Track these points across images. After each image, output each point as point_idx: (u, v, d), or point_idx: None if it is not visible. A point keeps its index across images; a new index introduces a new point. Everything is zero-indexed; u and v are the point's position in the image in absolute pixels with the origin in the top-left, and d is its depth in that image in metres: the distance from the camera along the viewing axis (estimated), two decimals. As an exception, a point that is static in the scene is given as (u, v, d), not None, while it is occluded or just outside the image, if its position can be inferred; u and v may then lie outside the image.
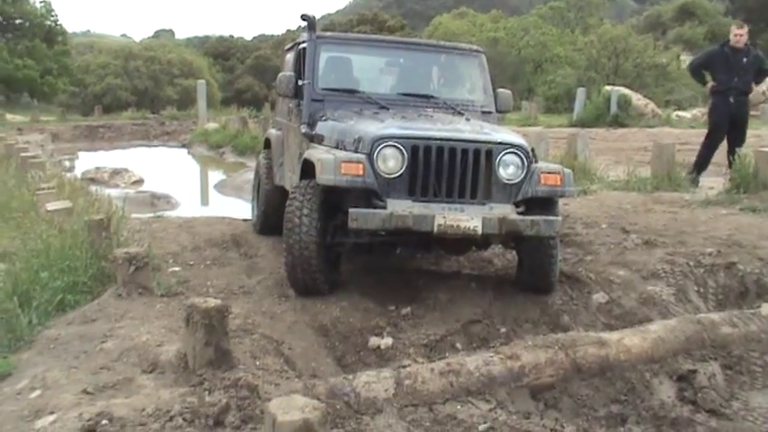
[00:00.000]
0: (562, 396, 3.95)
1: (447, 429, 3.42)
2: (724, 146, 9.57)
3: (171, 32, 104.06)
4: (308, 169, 5.28)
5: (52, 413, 3.19)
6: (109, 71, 50.74)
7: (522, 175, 5.07)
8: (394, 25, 57.14)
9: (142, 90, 50.47)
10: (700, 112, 25.22)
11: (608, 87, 24.75)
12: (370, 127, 5.19)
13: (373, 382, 3.55)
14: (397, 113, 5.71)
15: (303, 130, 5.90)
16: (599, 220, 7.28)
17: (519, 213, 5.05)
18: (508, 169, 5.06)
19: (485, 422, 3.46)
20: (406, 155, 4.91)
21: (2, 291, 5.02)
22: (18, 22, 46.64)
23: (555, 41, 44.12)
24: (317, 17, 7.34)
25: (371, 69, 6.88)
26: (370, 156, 4.91)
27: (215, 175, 17.93)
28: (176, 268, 6.06)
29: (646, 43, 35.42)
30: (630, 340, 4.25)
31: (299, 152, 5.97)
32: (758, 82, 10.15)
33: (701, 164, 9.70)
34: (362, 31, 43.30)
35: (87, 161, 20.22)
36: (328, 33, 6.90)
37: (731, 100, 9.27)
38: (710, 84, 9.45)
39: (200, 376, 3.46)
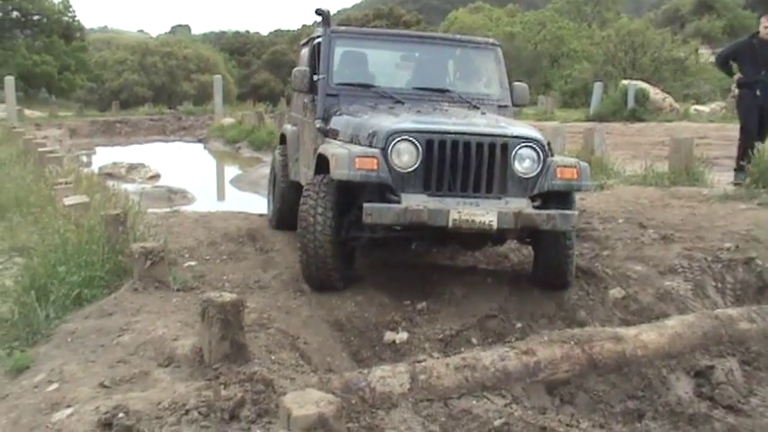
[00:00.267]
0: (578, 391, 3.93)
1: (462, 424, 3.41)
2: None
3: (187, 28, 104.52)
4: (322, 164, 5.27)
5: (69, 406, 3.21)
6: (126, 67, 51.04)
7: (538, 169, 5.04)
8: (410, 20, 57.13)
9: (159, 86, 50.69)
10: (718, 106, 25.02)
11: (625, 82, 24.56)
12: (385, 121, 5.17)
13: (388, 377, 3.54)
14: (412, 108, 5.68)
15: (318, 125, 5.90)
16: (616, 215, 7.23)
17: (535, 208, 5.02)
18: (524, 163, 5.02)
19: (500, 417, 3.45)
20: (420, 149, 4.90)
21: (20, 285, 5.06)
22: (36, 18, 46.91)
23: (572, 36, 43.93)
24: (333, 12, 7.33)
25: (386, 64, 6.86)
26: (384, 150, 4.89)
27: (231, 170, 18.00)
28: (192, 263, 6.08)
29: (664, 37, 35.13)
30: (647, 336, 4.22)
31: (314, 147, 5.95)
32: None
33: (743, 156, 9.44)
34: (378, 26, 43.25)
35: (104, 156, 20.34)
36: (343, 28, 6.87)
37: (758, 93, 9.08)
38: (737, 76, 9.28)
39: (216, 370, 3.47)
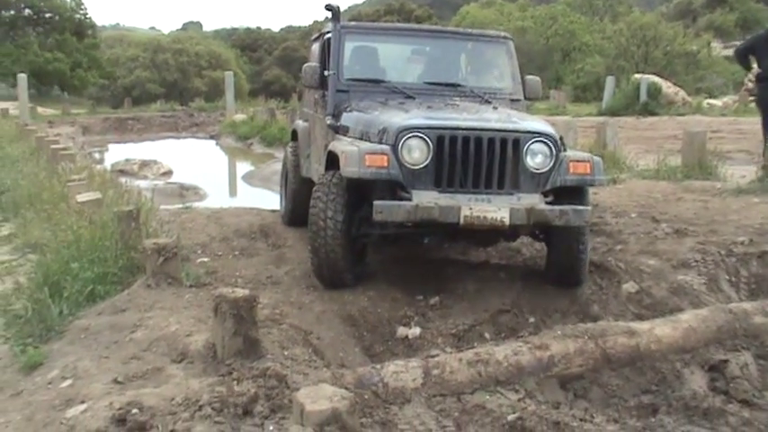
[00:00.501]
0: (592, 386, 3.91)
1: (475, 419, 3.40)
2: (758, 134, 9.35)
3: (199, 25, 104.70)
4: (332, 161, 5.24)
5: (83, 402, 3.22)
6: (138, 64, 51.29)
7: (551, 164, 4.97)
8: (421, 15, 57.04)
9: (171, 82, 50.89)
10: (731, 99, 24.89)
11: (637, 75, 24.51)
12: (395, 117, 5.13)
13: (401, 372, 3.54)
14: (423, 103, 5.64)
15: (328, 122, 5.87)
16: (628, 210, 7.20)
17: (547, 203, 4.97)
18: (536, 158, 4.96)
19: (513, 412, 3.44)
20: (431, 145, 4.84)
21: (33, 281, 5.08)
22: (48, 15, 47.16)
23: (583, 30, 43.80)
24: (344, 8, 7.32)
25: (397, 58, 6.82)
26: (394, 147, 4.84)
27: (243, 167, 18.01)
28: (205, 259, 6.09)
29: (676, 31, 35.04)
30: (661, 330, 4.20)
31: (325, 144, 5.92)
32: None
33: None
34: (389, 21, 43.21)
35: (117, 153, 20.40)
36: (353, 23, 6.83)
37: None
38: (755, 69, 9.19)
39: (229, 366, 3.48)
